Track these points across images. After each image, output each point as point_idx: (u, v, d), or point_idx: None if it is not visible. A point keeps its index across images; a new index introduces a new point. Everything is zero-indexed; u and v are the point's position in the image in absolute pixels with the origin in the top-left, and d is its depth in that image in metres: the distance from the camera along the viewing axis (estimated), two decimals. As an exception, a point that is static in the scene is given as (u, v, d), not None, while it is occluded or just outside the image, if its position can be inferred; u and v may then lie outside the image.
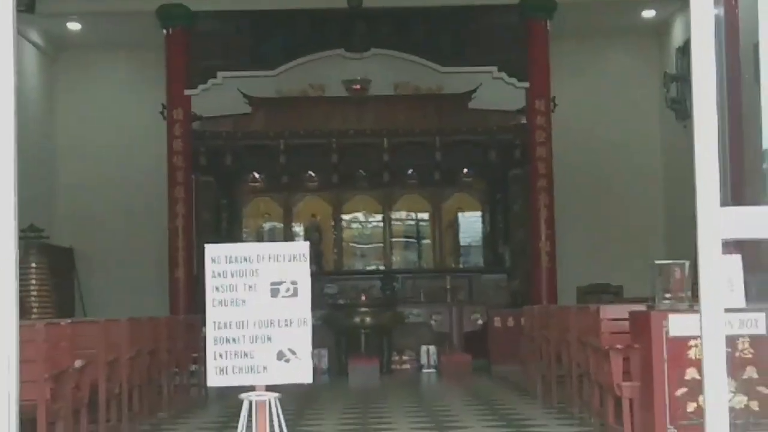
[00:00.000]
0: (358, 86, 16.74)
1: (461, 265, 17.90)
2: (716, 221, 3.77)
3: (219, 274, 6.05)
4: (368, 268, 17.88)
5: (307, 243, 6.61)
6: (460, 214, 18.16)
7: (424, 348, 16.01)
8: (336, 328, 15.70)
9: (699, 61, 3.74)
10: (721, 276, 4.07)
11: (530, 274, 16.29)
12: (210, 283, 6.06)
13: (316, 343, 14.59)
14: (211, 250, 6.21)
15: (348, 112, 16.81)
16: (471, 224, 18.12)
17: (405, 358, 15.96)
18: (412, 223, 18.23)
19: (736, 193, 4.72)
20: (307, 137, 16.94)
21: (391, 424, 9.25)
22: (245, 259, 6.11)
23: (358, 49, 16.37)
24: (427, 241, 18.18)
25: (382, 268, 17.79)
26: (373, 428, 9.03)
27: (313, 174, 17.70)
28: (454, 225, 18.14)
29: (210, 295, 6.04)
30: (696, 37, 3.76)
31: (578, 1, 15.64)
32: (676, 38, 16.14)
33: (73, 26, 16.94)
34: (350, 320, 16.05)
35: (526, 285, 16.24)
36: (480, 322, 16.14)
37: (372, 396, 12.41)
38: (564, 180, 16.34)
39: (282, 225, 17.67)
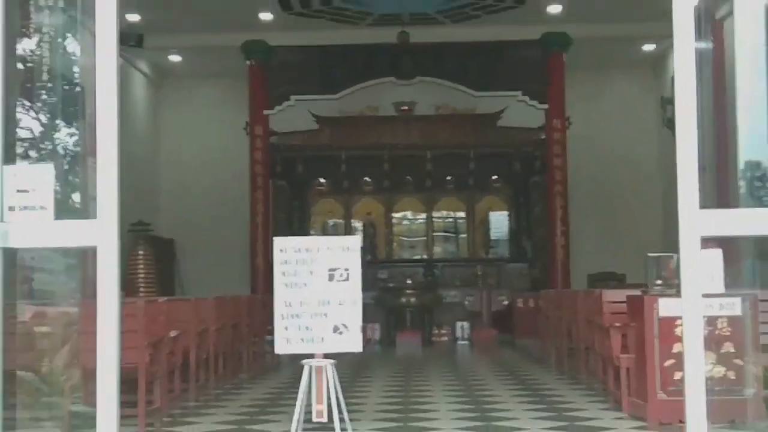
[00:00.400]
0: (405, 107, 16.93)
1: (490, 256, 18.03)
2: (695, 221, 4.23)
3: (285, 262, 6.37)
4: (413, 257, 18.04)
5: (358, 237, 6.88)
6: (490, 214, 18.29)
7: (458, 324, 16.16)
8: (386, 306, 15.91)
9: (682, 86, 4.20)
10: (698, 267, 4.46)
11: (548, 264, 16.42)
12: (278, 269, 6.41)
13: (369, 318, 14.94)
14: (279, 242, 6.57)
15: (397, 129, 17.02)
16: (499, 222, 18.25)
17: (443, 332, 16.09)
18: (451, 220, 18.37)
19: (722, 197, 5.07)
20: (364, 149, 17.15)
21: (429, 386, 9.33)
22: (306, 250, 6.43)
23: (406, 77, 16.58)
24: (462, 236, 18.29)
25: (425, 257, 17.95)
26: (414, 389, 9.18)
27: (368, 179, 17.88)
28: (485, 222, 18.27)
29: (278, 279, 6.40)
30: (679, 67, 4.21)
31: (590, 37, 15.70)
32: (671, 67, 16.16)
33: (174, 58, 17.28)
34: (398, 300, 16.18)
35: (544, 273, 16.38)
36: (505, 303, 16.28)
37: (414, 363, 12.49)
38: (577, 186, 16.48)
39: (343, 221, 17.91)
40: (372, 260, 17.16)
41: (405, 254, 18.08)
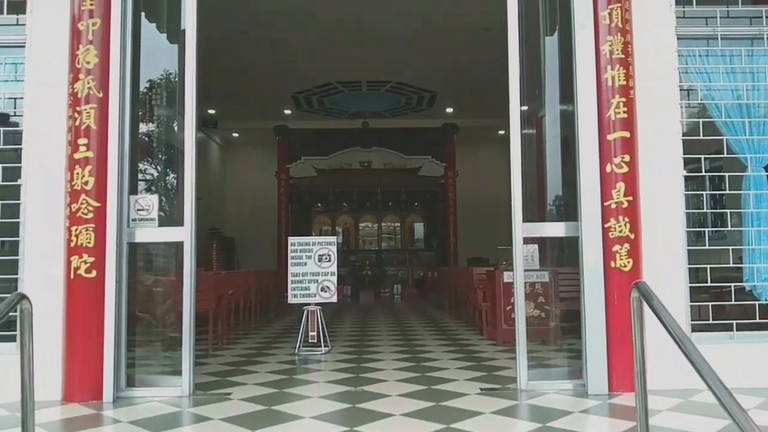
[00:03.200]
0: (366, 164, 17.09)
1: (413, 247, 18.15)
2: (519, 229, 4.30)
3: (294, 251, 6.46)
4: (371, 248, 18.13)
5: (336, 237, 6.88)
6: (414, 224, 18.43)
7: (395, 286, 16.29)
8: (354, 276, 16.00)
9: (513, 153, 4.28)
10: (521, 255, 4.52)
11: (445, 252, 16.62)
12: (290, 254, 6.47)
13: (345, 282, 15.02)
14: (291, 239, 6.63)
15: (361, 176, 17.04)
16: (419, 228, 18.37)
17: (386, 290, 16.23)
18: (392, 227, 18.47)
19: (540, 215, 5.08)
20: (343, 187, 17.22)
21: (376, 321, 9.47)
22: (306, 244, 6.51)
23: (367, 147, 16.70)
24: (398, 236, 18.45)
25: (376, 248, 18.09)
26: (368, 323, 9.30)
27: (345, 204, 17.91)
28: (411, 229, 18.29)
29: (290, 261, 6.46)
30: (512, 144, 4.27)
31: (469, 126, 15.92)
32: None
33: (235, 134, 17.23)
34: (361, 272, 16.31)
35: (443, 257, 16.55)
36: (421, 274, 16.40)
37: (369, 309, 12.56)
38: (462, 208, 16.62)
39: (330, 228, 17.91)
40: (347, 250, 17.21)
41: (366, 246, 18.13)
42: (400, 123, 16.00)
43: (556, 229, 4.57)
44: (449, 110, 15.36)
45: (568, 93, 4.55)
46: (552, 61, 4.85)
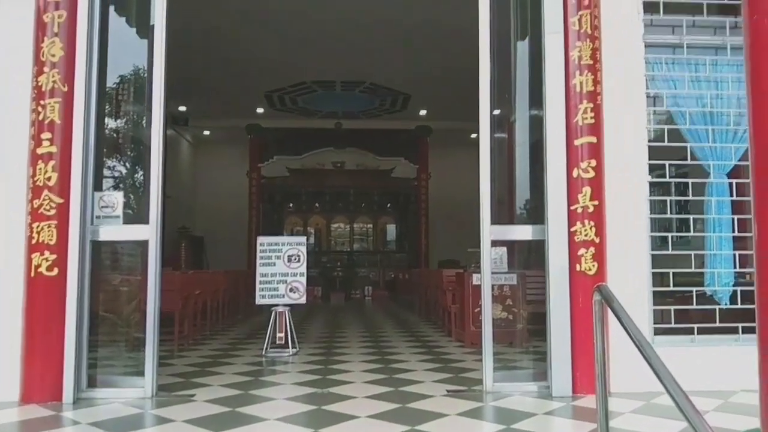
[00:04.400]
0: (339, 164, 17.05)
1: (385, 249, 18.15)
2: (487, 232, 4.32)
3: (263, 251, 6.40)
4: (342, 249, 18.07)
5: (305, 237, 6.84)
6: (386, 225, 18.44)
7: (366, 287, 16.28)
8: (325, 277, 15.92)
9: (483, 156, 4.29)
10: (489, 257, 4.54)
11: (416, 254, 16.66)
12: (258, 254, 6.42)
13: (315, 284, 14.94)
14: (260, 239, 6.58)
15: (334, 177, 17.02)
16: (391, 230, 18.37)
17: (357, 292, 16.18)
18: (364, 229, 18.48)
19: (510, 216, 5.10)
20: (315, 188, 17.18)
21: (346, 322, 9.46)
22: (275, 244, 6.47)
23: (340, 147, 16.68)
24: (370, 238, 18.44)
25: (348, 250, 18.05)
26: (338, 324, 9.29)
27: (317, 205, 17.88)
28: (383, 230, 18.31)
29: (258, 261, 6.41)
30: (482, 147, 4.29)
31: (442, 128, 15.98)
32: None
33: (206, 132, 17.03)
34: (332, 273, 16.26)
35: (415, 259, 16.55)
36: (392, 276, 16.44)
37: (339, 310, 12.59)
38: (434, 210, 16.66)
39: (302, 228, 17.81)
40: (319, 251, 17.14)
41: (337, 248, 18.05)
42: (373, 124, 15.98)
43: (523, 232, 4.61)
44: (423, 112, 15.40)
45: (537, 98, 4.60)
46: (523, 65, 4.89)
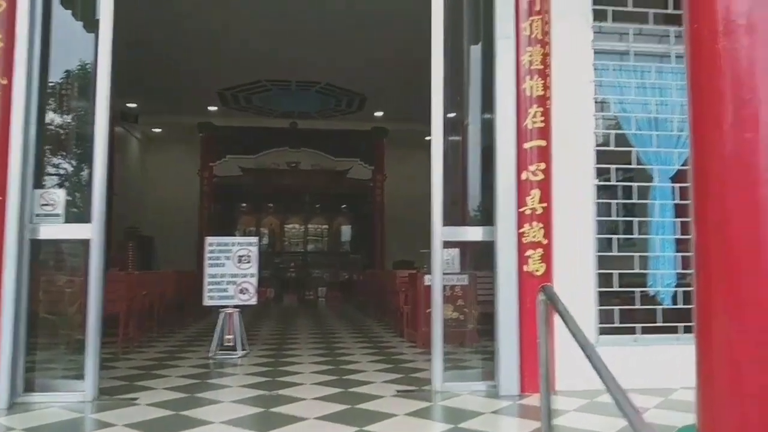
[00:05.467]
0: (294, 164, 16.91)
1: (340, 250, 18.05)
2: (439, 233, 4.35)
3: (212, 251, 6.30)
4: (296, 250, 17.89)
5: (257, 238, 6.75)
6: (341, 227, 18.34)
7: (320, 289, 16.13)
8: (279, 278, 15.74)
9: (435, 158, 4.32)
10: (440, 258, 4.57)
11: (371, 255, 16.64)
12: (206, 255, 6.31)
13: (268, 285, 14.81)
14: (208, 239, 6.47)
15: (288, 177, 16.87)
16: (346, 231, 18.32)
17: (310, 293, 16.04)
18: (319, 230, 18.32)
19: (462, 217, 5.13)
20: (269, 188, 17.01)
21: (299, 320, 9.44)
22: (225, 244, 6.38)
23: (295, 147, 16.54)
24: (325, 239, 18.31)
25: (302, 250, 17.90)
26: (290, 327, 9.21)
27: (271, 205, 17.70)
28: (338, 231, 18.23)
29: (206, 261, 6.30)
30: (434, 150, 4.33)
31: (399, 130, 16.01)
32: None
33: (156, 130, 16.60)
34: (285, 274, 16.12)
35: (369, 260, 16.51)
36: (346, 277, 16.36)
37: (293, 310, 12.51)
38: (389, 211, 16.64)
39: (255, 229, 17.53)
40: (272, 251, 16.95)
41: (291, 248, 17.84)
42: (329, 125, 15.88)
43: (473, 234, 4.67)
44: (379, 114, 15.41)
45: (489, 101, 4.66)
46: (476, 69, 4.95)
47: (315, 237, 18.09)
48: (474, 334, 5.96)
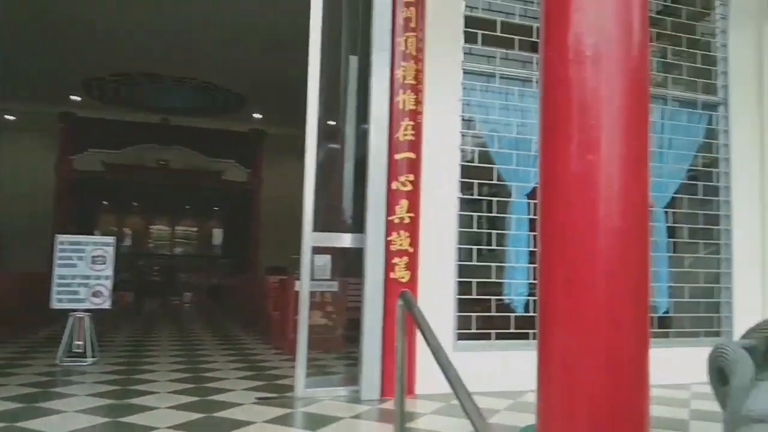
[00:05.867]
0: (163, 162, 16.15)
1: (211, 254, 17.49)
2: (309, 239, 4.31)
3: (63, 250, 5.86)
4: (162, 252, 17.06)
5: (114, 238, 6.32)
6: (213, 229, 17.73)
7: (186, 294, 15.46)
8: (140, 281, 14.87)
9: (307, 166, 4.29)
10: (308, 264, 4.54)
11: (244, 260, 16.22)
12: (56, 254, 5.87)
13: (128, 288, 13.95)
14: (59, 238, 6.00)
15: (157, 175, 16.11)
16: (218, 234, 17.72)
17: (176, 298, 15.30)
18: (188, 231, 17.61)
19: (335, 224, 5.11)
20: (134, 185, 16.10)
21: (161, 326, 8.97)
22: (78, 243, 5.96)
23: (166, 144, 15.80)
24: (195, 241, 17.63)
25: (168, 253, 17.07)
26: (152, 327, 8.75)
27: (135, 204, 16.79)
28: (210, 234, 17.67)
29: (56, 261, 5.86)
30: (308, 143, 4.30)
31: (278, 134, 15.78)
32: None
33: (11, 117, 15.07)
34: (148, 277, 15.31)
35: (242, 264, 16.11)
36: (216, 282, 15.81)
37: (155, 315, 11.83)
38: (264, 215, 16.35)
39: (117, 228, 16.47)
40: (135, 253, 16.05)
41: (157, 251, 16.98)
42: (204, 123, 15.32)
43: (344, 240, 4.70)
44: (257, 116, 15.13)
45: (365, 111, 4.73)
46: (353, 78, 5.01)
47: (184, 239, 17.33)
48: (341, 340, 5.99)
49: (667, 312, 5.51)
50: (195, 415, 3.64)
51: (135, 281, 14.39)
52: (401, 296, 2.52)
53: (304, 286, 4.60)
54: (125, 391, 4.34)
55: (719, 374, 1.78)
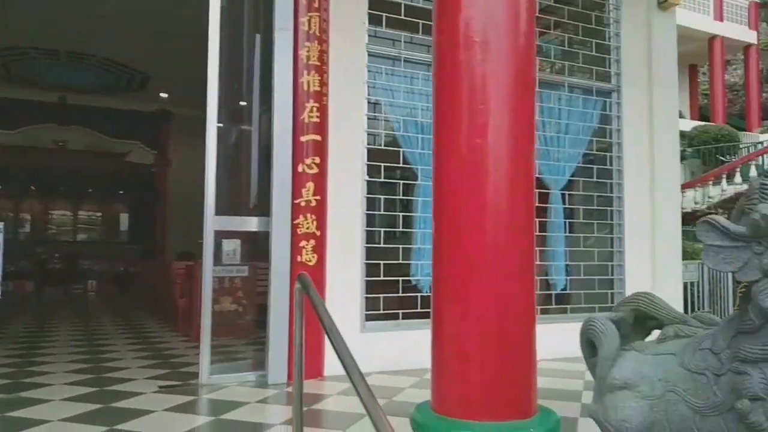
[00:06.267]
0: (62, 143, 15.25)
1: (117, 240, 16.74)
2: (211, 221, 4.22)
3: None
4: (63, 239, 16.18)
5: (2, 223, 5.89)
6: (119, 214, 16.96)
7: (90, 282, 14.74)
8: (40, 269, 14.09)
9: (209, 139, 4.18)
10: (212, 248, 4.44)
11: (152, 246, 15.64)
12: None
13: (27, 277, 13.21)
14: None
15: (56, 157, 15.21)
16: (123, 219, 17.00)
17: (79, 286, 14.56)
18: (92, 216, 16.75)
19: (241, 207, 5.01)
20: (31, 168, 15.13)
21: (62, 315, 8.52)
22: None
23: (65, 124, 14.89)
24: (99, 226, 16.80)
25: (70, 239, 16.20)
26: (51, 317, 8.30)
27: (33, 188, 15.80)
28: (116, 219, 16.90)
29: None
30: (209, 124, 4.19)
31: (185, 115, 15.20)
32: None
33: None
34: (48, 265, 14.50)
35: (151, 250, 15.53)
36: (122, 269, 15.20)
37: (55, 304, 11.21)
38: (173, 199, 15.79)
39: (14, 214, 15.47)
40: (33, 240, 15.14)
41: (59, 237, 16.06)
42: (106, 103, 14.54)
43: (249, 224, 4.65)
44: (164, 95, 14.54)
45: (269, 92, 4.66)
46: (255, 58, 4.92)
47: (87, 225, 16.48)
48: (251, 326, 5.92)
49: (564, 289, 5.82)
50: (92, 406, 3.51)
51: (34, 270, 13.58)
52: (299, 279, 2.53)
53: (206, 272, 4.53)
54: (16, 385, 4.12)
55: (589, 346, 1.92)
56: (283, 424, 3.25)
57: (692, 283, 6.61)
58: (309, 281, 2.50)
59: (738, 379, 1.42)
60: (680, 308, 6.00)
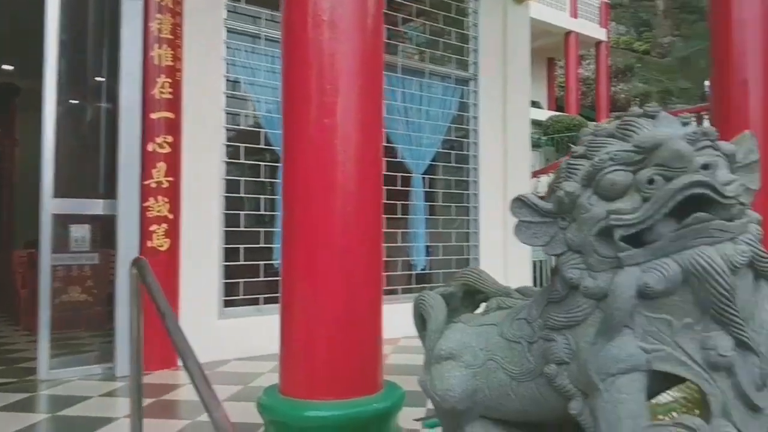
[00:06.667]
0: None
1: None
2: (49, 204, 3.88)
3: None
4: None
5: None
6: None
7: None
8: None
9: (46, 114, 3.82)
10: (50, 233, 4.08)
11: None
12: None
13: None
14: None
15: None
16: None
17: None
18: None
19: (85, 189, 4.62)
20: None
21: None
22: None
23: None
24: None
25: None
26: None
27: None
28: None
29: None
30: (46, 98, 3.80)
31: (33, 89, 13.83)
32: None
33: None
34: None
35: None
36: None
37: None
38: (25, 183, 14.39)
39: None
40: None
41: None
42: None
43: (92, 207, 4.34)
44: (8, 68, 13.19)
45: (116, 65, 4.34)
46: (104, 30, 4.56)
47: None
48: (100, 316, 5.55)
49: (425, 269, 6.01)
50: None
51: None
52: (134, 264, 2.38)
53: (44, 259, 4.19)
54: None
55: (421, 320, 1.97)
56: (126, 417, 3.07)
57: (542, 261, 7.07)
58: (146, 265, 2.37)
59: (546, 345, 1.52)
60: (530, 284, 6.40)
